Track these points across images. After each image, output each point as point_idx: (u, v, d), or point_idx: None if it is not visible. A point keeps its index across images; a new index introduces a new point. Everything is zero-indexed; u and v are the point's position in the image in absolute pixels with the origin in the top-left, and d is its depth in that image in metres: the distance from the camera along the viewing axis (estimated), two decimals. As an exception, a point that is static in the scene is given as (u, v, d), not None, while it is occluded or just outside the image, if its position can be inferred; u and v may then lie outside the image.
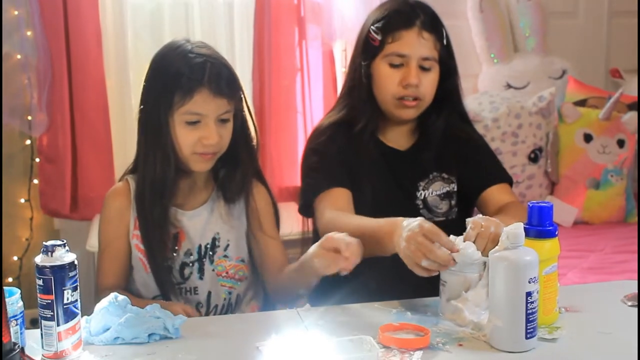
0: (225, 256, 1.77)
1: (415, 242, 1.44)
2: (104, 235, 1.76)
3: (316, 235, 1.91)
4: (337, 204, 1.81)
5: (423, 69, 1.83)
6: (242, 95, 1.76)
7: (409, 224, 1.48)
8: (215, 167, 1.76)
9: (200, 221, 1.76)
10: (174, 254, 1.73)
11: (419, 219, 1.49)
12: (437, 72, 1.86)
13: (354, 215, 1.79)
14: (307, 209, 1.91)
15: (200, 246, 1.76)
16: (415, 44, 1.82)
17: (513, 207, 1.84)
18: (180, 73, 1.65)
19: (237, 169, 1.77)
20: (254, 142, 1.80)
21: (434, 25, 1.85)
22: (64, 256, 1.29)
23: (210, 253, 1.76)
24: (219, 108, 1.66)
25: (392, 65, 1.83)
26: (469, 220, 1.51)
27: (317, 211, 1.84)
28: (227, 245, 1.77)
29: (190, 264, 1.74)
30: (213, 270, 1.75)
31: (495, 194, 1.89)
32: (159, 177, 1.69)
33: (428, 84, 1.84)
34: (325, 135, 1.91)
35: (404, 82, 1.81)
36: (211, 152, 1.69)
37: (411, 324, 1.43)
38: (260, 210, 1.80)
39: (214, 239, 1.77)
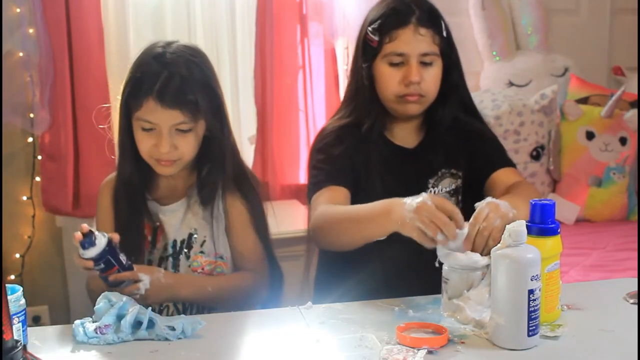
0: (202, 252, 1.78)
1: (428, 213, 1.45)
2: (97, 223, 1.82)
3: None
4: (333, 200, 1.79)
5: (424, 64, 1.82)
6: (213, 105, 1.73)
7: (414, 199, 1.49)
8: (199, 164, 1.78)
9: (176, 217, 1.79)
10: (154, 248, 1.78)
11: (423, 194, 1.50)
12: (440, 66, 1.85)
13: (346, 205, 1.78)
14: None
15: (175, 241, 1.78)
16: (412, 42, 1.80)
17: (521, 185, 1.83)
18: (135, 79, 1.69)
19: (214, 175, 1.77)
20: (233, 153, 1.80)
21: (431, 19, 1.83)
22: (100, 239, 1.49)
23: (186, 249, 1.77)
24: (172, 119, 1.66)
25: (392, 65, 1.82)
26: (478, 205, 1.52)
27: (312, 206, 1.84)
28: (204, 242, 1.78)
29: (166, 259, 1.77)
30: (189, 266, 1.77)
31: (502, 176, 1.88)
32: (128, 175, 1.76)
33: (430, 80, 1.83)
34: (332, 136, 1.90)
35: (405, 81, 1.80)
36: (168, 160, 1.71)
37: (427, 322, 1.43)
38: (232, 220, 1.79)
39: (190, 235, 1.78)
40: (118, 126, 1.75)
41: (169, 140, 1.67)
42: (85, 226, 1.50)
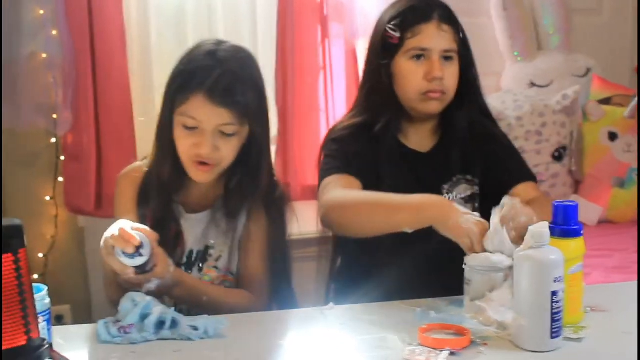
0: (215, 267, 1.73)
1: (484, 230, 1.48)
2: (115, 210, 1.77)
3: (336, 241, 1.90)
4: (347, 187, 1.75)
5: (445, 60, 1.81)
6: (260, 110, 1.68)
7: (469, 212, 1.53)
8: (228, 175, 1.71)
9: (199, 227, 1.73)
10: (173, 252, 1.70)
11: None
12: (458, 66, 1.85)
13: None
14: None
15: (192, 252, 1.73)
16: (435, 37, 1.80)
17: (540, 201, 1.82)
18: (185, 71, 1.63)
19: (246, 187, 1.70)
20: (270, 165, 1.75)
21: (451, 17, 1.84)
22: (145, 252, 1.44)
23: (200, 263, 1.72)
24: (219, 118, 1.60)
25: (414, 60, 1.81)
26: (505, 201, 1.51)
27: (324, 188, 1.78)
28: (220, 257, 1.73)
29: (182, 267, 1.71)
30: (200, 279, 1.71)
31: (521, 191, 1.85)
32: (161, 175, 1.69)
33: (451, 77, 1.82)
34: (347, 131, 1.89)
35: (429, 76, 1.79)
36: (207, 164, 1.63)
37: (449, 324, 1.42)
38: (248, 238, 1.72)
39: (207, 248, 1.73)
40: (159, 121, 1.68)
41: (211, 140, 1.60)
42: (138, 239, 1.43)
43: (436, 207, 1.55)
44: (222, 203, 1.73)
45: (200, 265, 1.72)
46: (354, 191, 1.73)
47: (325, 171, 1.83)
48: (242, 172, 1.70)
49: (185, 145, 1.63)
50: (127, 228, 1.45)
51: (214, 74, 1.59)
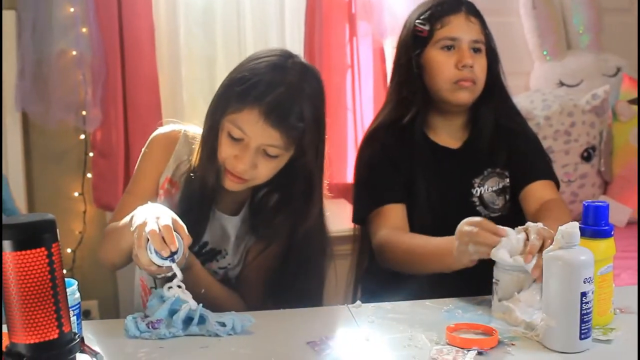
0: (215, 272, 1.69)
1: (460, 232, 1.51)
2: (136, 173, 1.72)
3: (365, 242, 1.93)
4: (390, 221, 1.82)
5: (474, 50, 1.85)
6: (315, 139, 1.61)
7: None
8: (257, 190, 1.66)
9: (222, 229, 1.69)
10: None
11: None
12: (485, 59, 1.88)
13: (408, 234, 1.80)
14: (360, 222, 1.95)
15: (206, 243, 1.69)
16: (464, 27, 1.85)
17: (555, 208, 1.82)
18: (247, 80, 1.52)
19: (285, 219, 1.64)
20: (321, 198, 1.68)
21: (477, 11, 1.90)
22: (179, 254, 1.40)
23: (207, 260, 1.68)
24: (267, 138, 1.51)
25: (445, 50, 1.85)
26: (531, 228, 1.48)
27: (371, 228, 1.86)
28: (227, 266, 1.70)
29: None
30: None
31: (539, 189, 1.88)
32: (206, 182, 1.61)
33: (480, 67, 1.86)
34: (376, 142, 1.92)
35: (460, 64, 1.83)
36: (240, 177, 1.57)
37: (477, 323, 1.42)
38: (259, 262, 1.67)
39: (220, 251, 1.69)
40: (206, 123, 1.60)
41: (252, 158, 1.53)
42: (177, 246, 1.39)
43: (448, 251, 1.55)
44: (250, 213, 1.68)
45: (204, 262, 1.67)
46: (395, 239, 1.77)
47: (365, 204, 1.90)
48: (282, 198, 1.66)
49: (225, 153, 1.55)
50: (171, 228, 1.39)
51: (276, 92, 1.50)
